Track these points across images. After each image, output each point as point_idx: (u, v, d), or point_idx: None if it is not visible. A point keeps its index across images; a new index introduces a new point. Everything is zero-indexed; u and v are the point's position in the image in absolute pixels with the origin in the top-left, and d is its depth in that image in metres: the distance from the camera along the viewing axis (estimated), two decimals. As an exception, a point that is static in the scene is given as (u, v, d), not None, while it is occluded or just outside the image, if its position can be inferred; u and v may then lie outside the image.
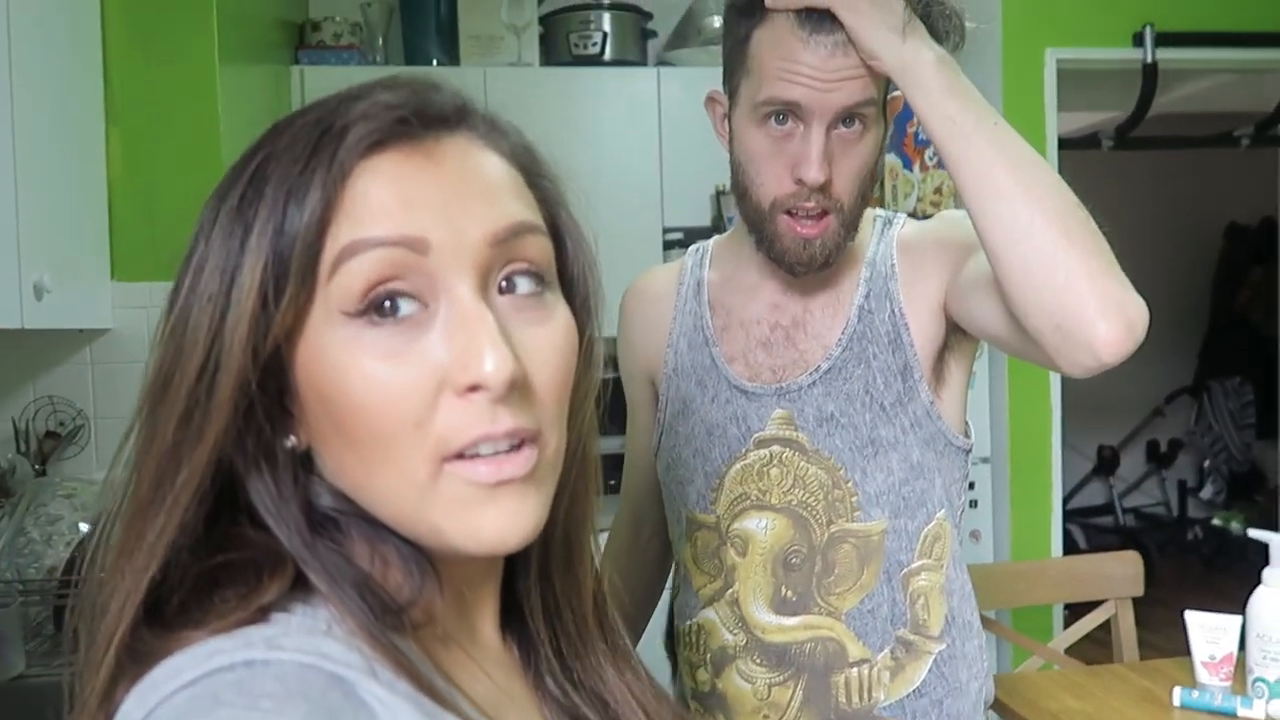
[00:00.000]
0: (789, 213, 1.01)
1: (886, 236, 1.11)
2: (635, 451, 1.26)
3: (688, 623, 1.14)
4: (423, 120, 0.49)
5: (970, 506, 2.80)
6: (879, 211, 1.16)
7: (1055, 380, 2.97)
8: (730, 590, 1.08)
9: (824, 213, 1.00)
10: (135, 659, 0.44)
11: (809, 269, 1.03)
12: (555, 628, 0.60)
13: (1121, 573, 2.11)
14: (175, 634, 0.44)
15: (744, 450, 1.08)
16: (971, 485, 2.76)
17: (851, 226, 1.03)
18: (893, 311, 1.06)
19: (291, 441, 0.49)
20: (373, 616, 0.47)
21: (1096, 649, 2.14)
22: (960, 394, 1.10)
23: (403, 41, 2.94)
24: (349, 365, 0.46)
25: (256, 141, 0.50)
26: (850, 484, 1.05)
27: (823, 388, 1.06)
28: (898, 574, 1.05)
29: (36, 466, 2.08)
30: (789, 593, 1.06)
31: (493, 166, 0.51)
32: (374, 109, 0.48)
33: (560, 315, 0.52)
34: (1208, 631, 1.49)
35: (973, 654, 1.10)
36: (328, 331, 0.46)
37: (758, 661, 1.07)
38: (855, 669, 1.04)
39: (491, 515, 0.48)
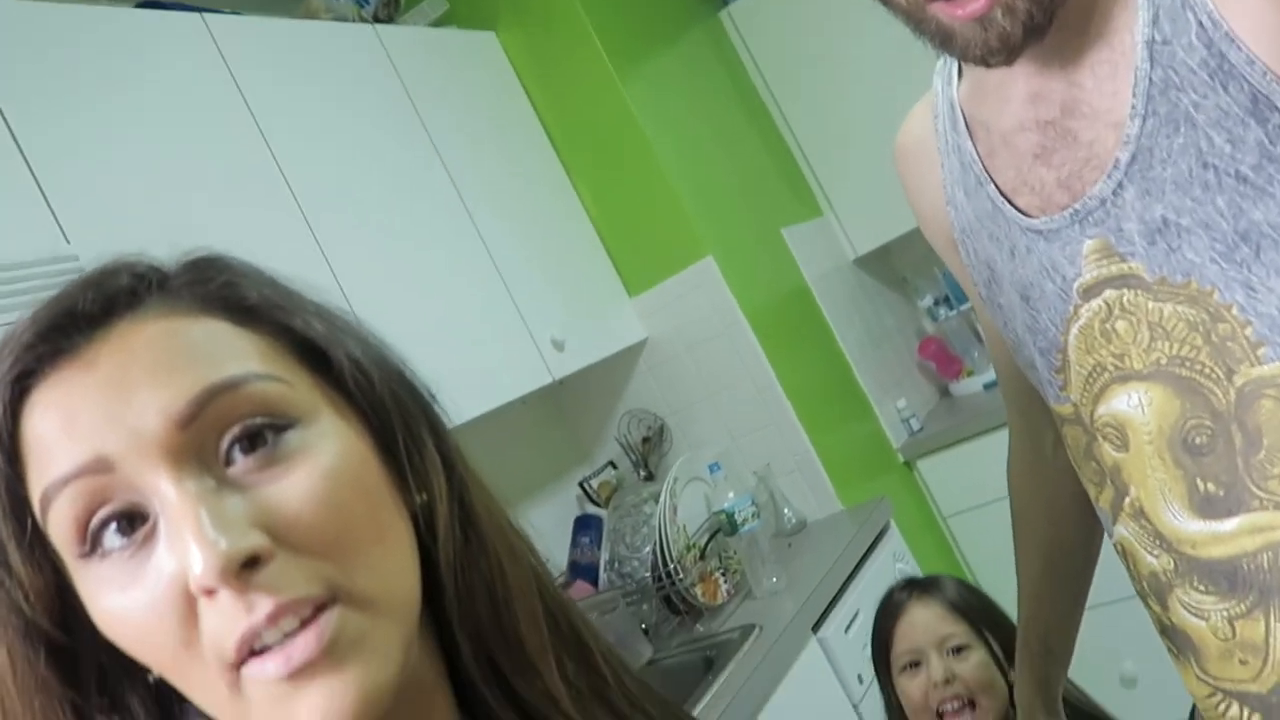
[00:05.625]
0: None
1: None
2: (992, 339, 0.97)
3: (1112, 543, 0.83)
4: (65, 331, 0.45)
5: None
6: None
7: None
8: (1127, 498, 0.76)
9: None
10: None
11: (1010, 50, 0.68)
12: None
13: None
14: None
15: (1071, 308, 0.76)
16: None
17: None
18: (1200, 24, 0.65)
19: (154, 675, 0.47)
20: None
21: None
22: None
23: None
24: (98, 609, 0.44)
25: None
26: (1233, 309, 0.67)
27: (1135, 187, 0.69)
28: None
29: (641, 473, 2.39)
30: (1208, 485, 0.71)
31: (166, 338, 0.45)
32: (11, 343, 0.45)
33: (316, 452, 0.44)
34: None
35: None
36: (79, 580, 0.45)
37: (1200, 588, 0.73)
38: (1351, 582, 0.65)
39: (306, 707, 0.42)
